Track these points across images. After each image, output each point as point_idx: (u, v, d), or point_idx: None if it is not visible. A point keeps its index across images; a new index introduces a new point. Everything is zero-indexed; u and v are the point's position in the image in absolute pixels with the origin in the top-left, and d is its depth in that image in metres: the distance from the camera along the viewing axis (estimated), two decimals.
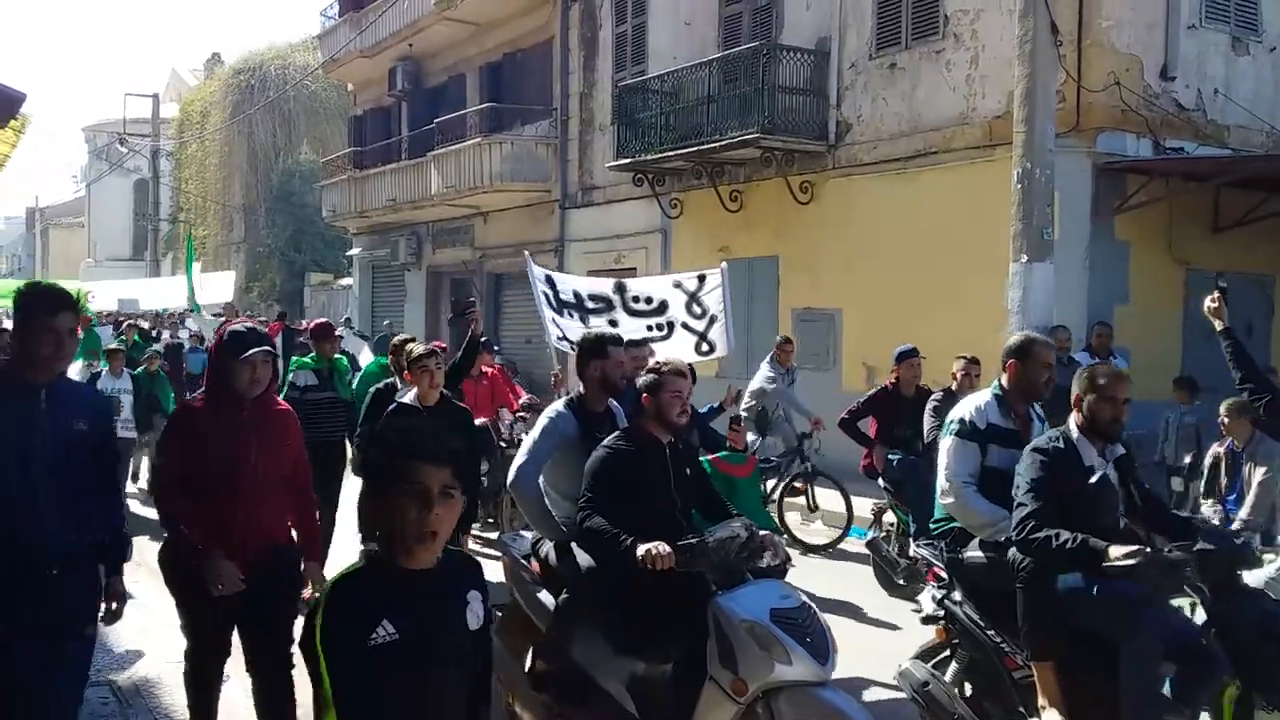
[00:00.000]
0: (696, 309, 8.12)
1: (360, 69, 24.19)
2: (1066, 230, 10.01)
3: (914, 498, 6.98)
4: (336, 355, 8.02)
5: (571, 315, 8.31)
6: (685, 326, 8.04)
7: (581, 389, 4.75)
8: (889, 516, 7.84)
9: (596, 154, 17.12)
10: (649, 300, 8.23)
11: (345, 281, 28.26)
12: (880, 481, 7.71)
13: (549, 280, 8.56)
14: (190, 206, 37.30)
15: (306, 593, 4.16)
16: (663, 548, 3.70)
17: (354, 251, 26.05)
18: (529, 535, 4.87)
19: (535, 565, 4.63)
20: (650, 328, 8.03)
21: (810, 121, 12.90)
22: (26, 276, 47.92)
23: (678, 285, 8.23)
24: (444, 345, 13.36)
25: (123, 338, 14.58)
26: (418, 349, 5.87)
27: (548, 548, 4.48)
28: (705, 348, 8.01)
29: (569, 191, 18.00)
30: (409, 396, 5.85)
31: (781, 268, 13.65)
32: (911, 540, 6.52)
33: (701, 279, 8.15)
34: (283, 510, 4.15)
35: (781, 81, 12.79)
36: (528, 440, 4.60)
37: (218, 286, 23.78)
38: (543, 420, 4.62)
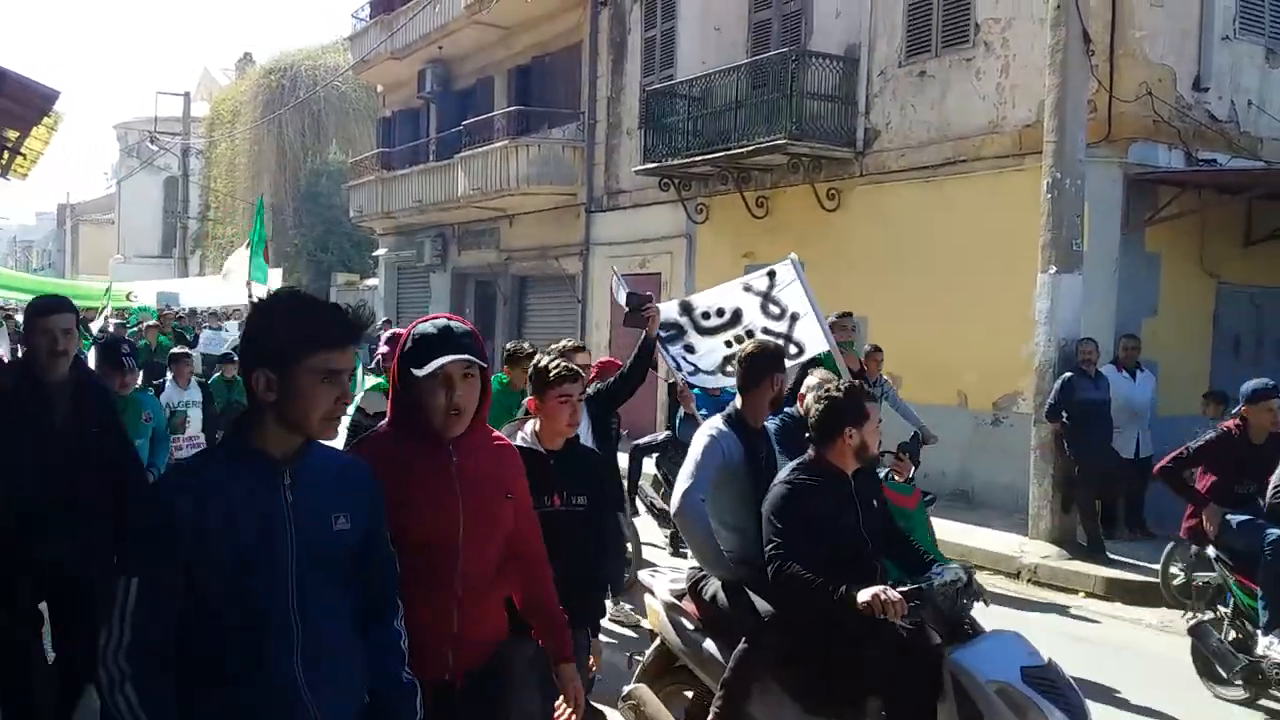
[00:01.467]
0: (774, 309, 7.37)
1: (390, 71, 24.32)
2: (1096, 241, 9.91)
3: (1271, 578, 5.53)
4: None
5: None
6: (767, 332, 7.23)
7: (739, 404, 4.29)
8: (1202, 580, 6.34)
9: (623, 158, 17.13)
10: (720, 312, 7.45)
11: (371, 282, 28.40)
12: (1210, 551, 6.13)
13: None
14: (219, 205, 37.62)
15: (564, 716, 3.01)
16: (892, 594, 3.36)
17: (380, 252, 26.17)
18: (670, 571, 4.51)
19: (693, 607, 4.17)
20: (729, 343, 7.21)
21: (838, 128, 12.85)
22: (57, 272, 48.52)
23: (747, 289, 7.43)
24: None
25: (144, 341, 14.65)
26: (554, 364, 3.67)
27: (714, 588, 4.02)
28: (794, 350, 7.19)
29: (595, 195, 18.02)
30: (526, 433, 3.71)
31: (807, 274, 13.50)
32: (1261, 632, 5.53)
33: (771, 275, 7.40)
34: (502, 591, 2.95)
35: (810, 88, 12.74)
36: (688, 463, 4.10)
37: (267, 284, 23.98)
38: (701, 439, 4.15)
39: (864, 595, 3.38)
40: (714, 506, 4.04)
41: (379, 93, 27.42)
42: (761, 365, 4.26)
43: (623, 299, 7.24)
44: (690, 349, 7.32)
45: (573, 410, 3.62)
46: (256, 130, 33.25)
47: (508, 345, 7.03)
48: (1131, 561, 8.71)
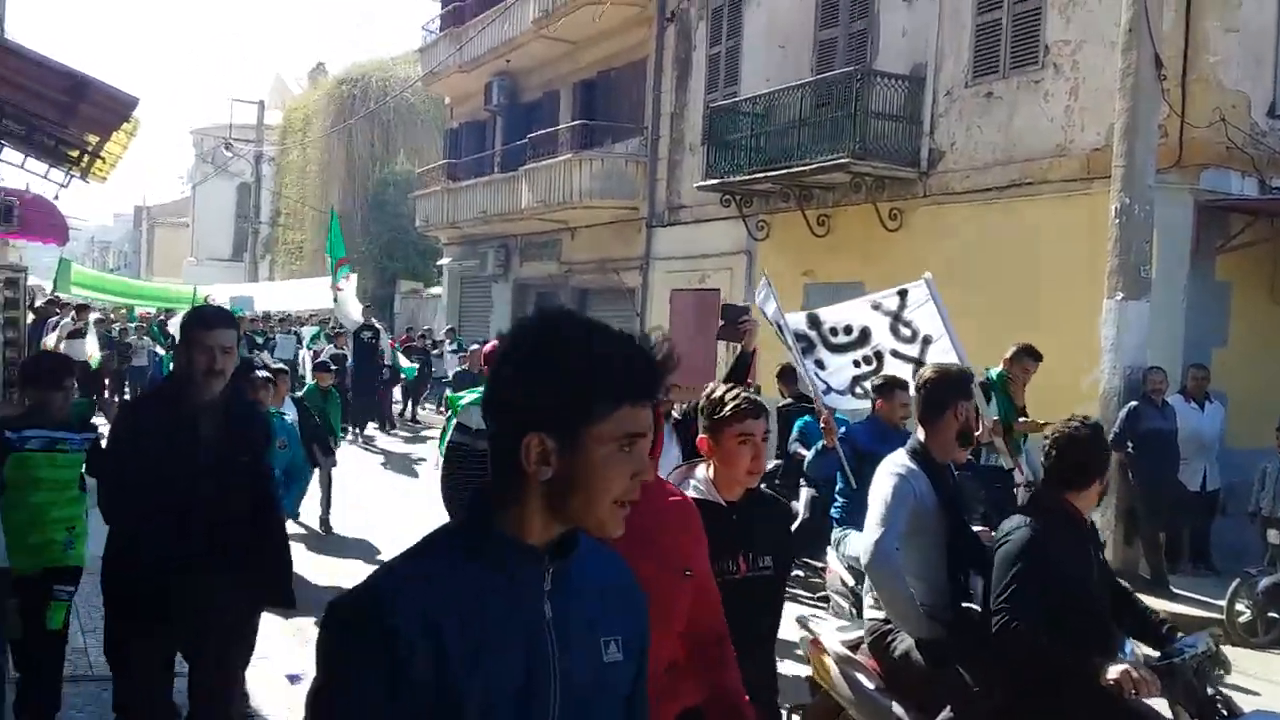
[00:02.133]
0: (905, 331, 6.92)
1: (458, 83, 24.67)
2: (1164, 268, 9.74)
3: None
4: None
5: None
6: (896, 354, 6.81)
7: (922, 436, 3.86)
8: None
9: (685, 173, 17.19)
10: (848, 330, 7.00)
11: (434, 290, 28.78)
12: None
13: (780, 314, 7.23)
14: (289, 211, 38.36)
15: None
16: (1145, 672, 2.99)
17: (444, 261, 26.51)
18: (829, 617, 4.17)
19: (874, 663, 3.81)
20: (857, 362, 6.81)
21: (902, 148, 12.78)
22: (132, 273, 49.74)
23: (876, 307, 7.00)
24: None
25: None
26: (730, 395, 3.07)
27: (905, 645, 3.64)
28: None
29: (656, 210, 18.09)
30: (698, 480, 3.04)
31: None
32: None
33: (903, 295, 6.93)
34: (679, 701, 2.45)
35: (874, 107, 12.69)
36: (876, 506, 3.66)
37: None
38: (888, 479, 3.70)
39: (1113, 671, 2.96)
40: (902, 555, 3.66)
41: (447, 104, 27.84)
42: (944, 393, 3.82)
43: (770, 310, 6.92)
44: (821, 365, 6.95)
45: (756, 453, 2.98)
46: (327, 139, 33.88)
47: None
48: (1196, 597, 8.50)
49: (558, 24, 19.24)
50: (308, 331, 20.38)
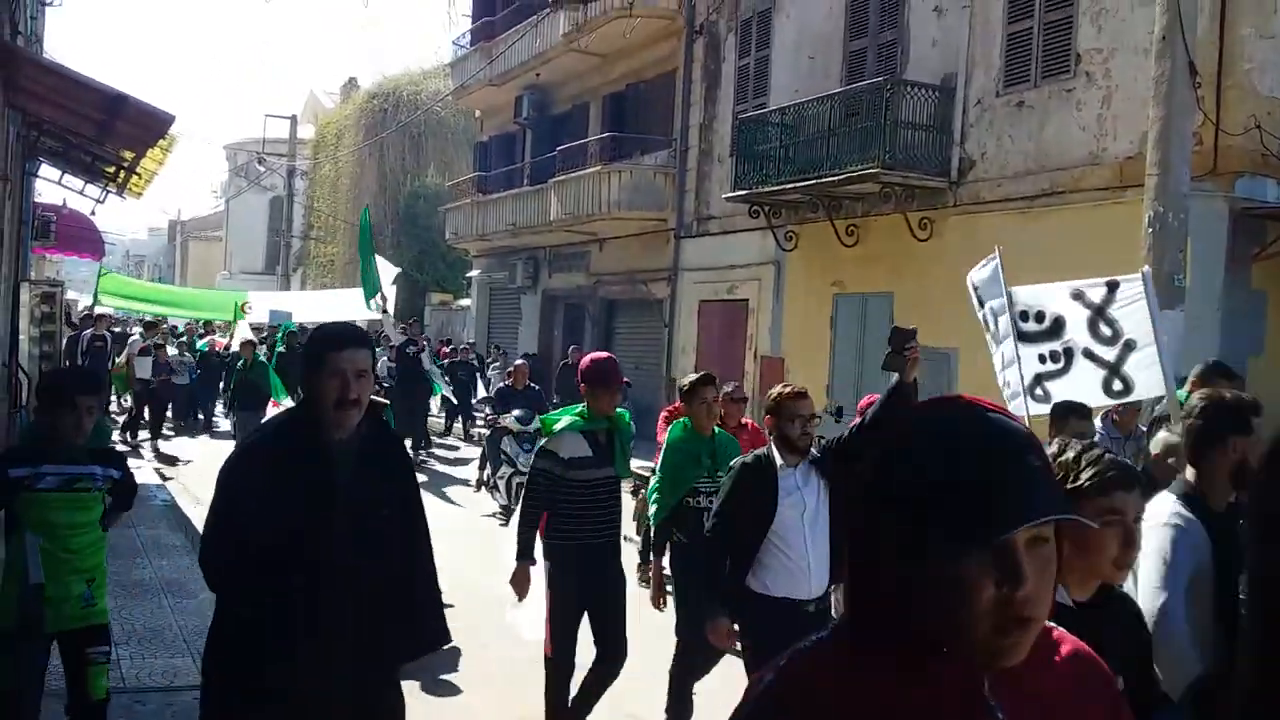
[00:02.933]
0: (1105, 330, 5.93)
1: (488, 96, 24.84)
2: (1199, 277, 9.62)
3: None
4: (619, 409, 5.32)
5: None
6: (1090, 355, 5.90)
7: (1192, 476, 3.25)
8: None
9: (714, 184, 17.19)
10: (1039, 317, 6.18)
11: (464, 302, 28.92)
12: None
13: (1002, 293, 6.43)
14: (321, 225, 38.70)
15: None
16: None
17: (473, 273, 26.64)
18: None
19: None
20: (1043, 357, 6.02)
21: (932, 157, 12.72)
22: (166, 285, 50.30)
23: (1078, 296, 6.10)
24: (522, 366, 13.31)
25: (243, 360, 14.50)
26: (1086, 458, 2.36)
27: None
28: (1119, 386, 5.86)
29: (685, 221, 18.09)
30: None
31: (896, 305, 13.45)
32: None
33: (1112, 287, 6.00)
34: None
35: (904, 117, 12.65)
36: (1155, 568, 3.02)
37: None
38: (1165, 532, 3.06)
39: None
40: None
41: (477, 118, 28.03)
42: (1219, 424, 3.22)
43: (981, 278, 5.94)
44: (1004, 359, 6.11)
45: (1127, 538, 2.31)
46: (359, 153, 34.18)
47: (682, 380, 5.96)
48: None
49: (588, 37, 19.33)
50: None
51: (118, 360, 16.58)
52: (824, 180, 13.34)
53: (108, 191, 14.25)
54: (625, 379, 6.27)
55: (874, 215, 13.61)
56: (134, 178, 13.41)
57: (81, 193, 14.67)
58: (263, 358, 15.38)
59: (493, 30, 23.99)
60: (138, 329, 18.22)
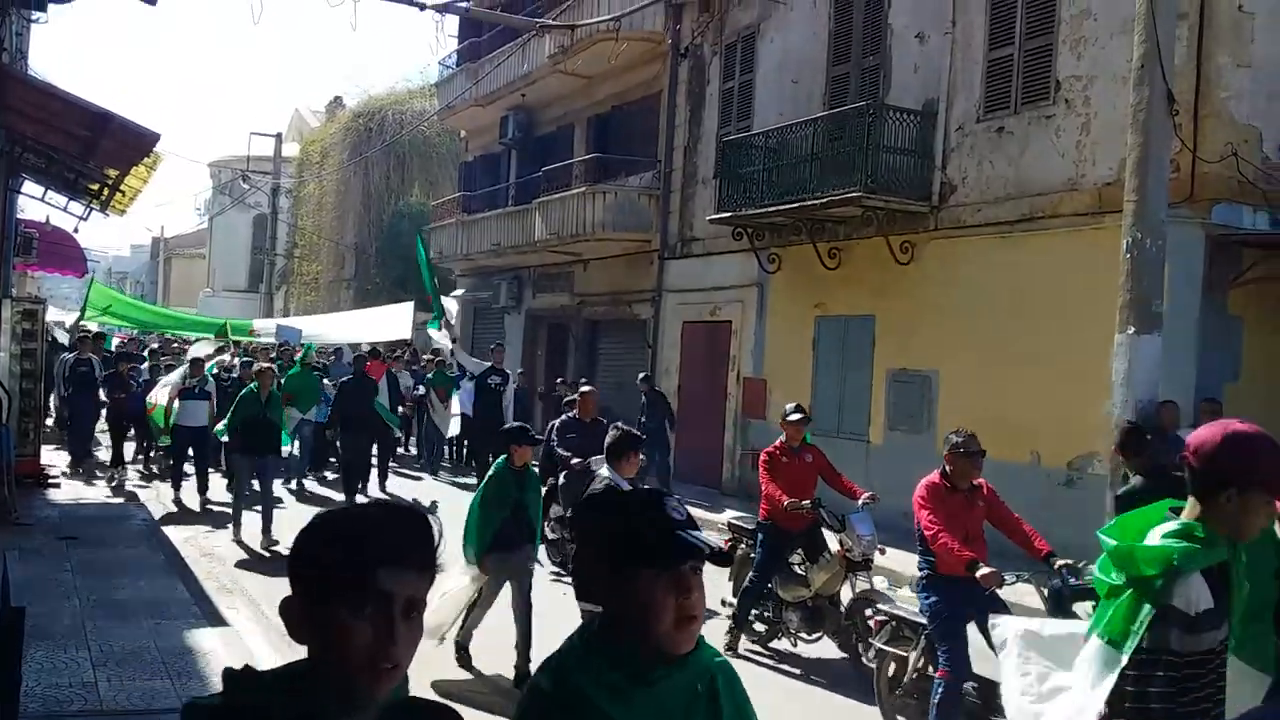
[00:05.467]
0: None
1: (473, 117, 24.92)
2: (1176, 303, 9.72)
3: None
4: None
5: None
6: None
7: None
8: None
9: (698, 206, 17.28)
10: None
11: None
12: None
13: None
14: (305, 243, 38.64)
15: None
16: None
17: (458, 292, 26.64)
18: None
19: None
20: None
21: (914, 182, 12.83)
22: (150, 302, 50.08)
23: None
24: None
25: (252, 387, 11.50)
26: None
27: None
28: None
29: (669, 242, 18.17)
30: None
31: (878, 327, 13.54)
32: None
33: None
34: None
35: (886, 141, 12.76)
36: None
37: (395, 322, 20.76)
38: None
39: None
40: None
41: (462, 138, 28.11)
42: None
43: None
44: None
45: None
46: (343, 171, 34.18)
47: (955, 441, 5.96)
48: None
49: (574, 59, 19.43)
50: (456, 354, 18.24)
51: (154, 400, 13.96)
52: (807, 203, 13.44)
53: (91, 208, 14.25)
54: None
55: (856, 239, 13.71)
56: (118, 195, 13.42)
57: (65, 209, 14.68)
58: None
59: (479, 51, 24.10)
60: (174, 366, 15.41)
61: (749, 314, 16.06)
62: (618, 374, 18.59)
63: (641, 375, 16.06)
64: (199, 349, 17.36)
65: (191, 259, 54.16)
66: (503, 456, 6.82)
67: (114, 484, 13.87)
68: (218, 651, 6.72)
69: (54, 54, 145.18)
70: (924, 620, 5.89)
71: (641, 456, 6.51)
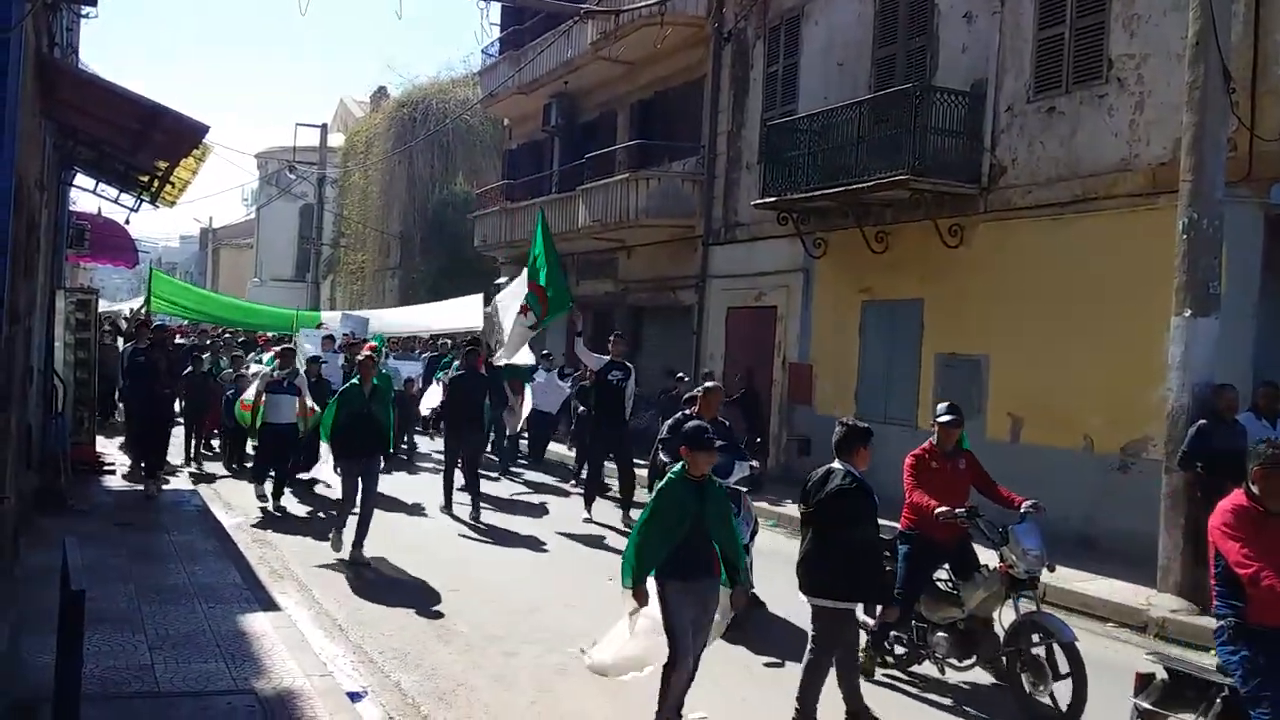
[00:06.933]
0: None
1: (516, 105, 24.96)
2: (1234, 284, 9.51)
3: None
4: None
5: None
6: None
7: None
8: None
9: (742, 191, 17.17)
10: None
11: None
12: None
13: None
14: (351, 232, 38.97)
15: None
16: None
17: (501, 280, 26.70)
18: None
19: None
20: None
21: (962, 164, 12.64)
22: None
23: None
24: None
25: (354, 381, 10.19)
26: None
27: None
28: None
29: (713, 228, 18.08)
30: None
31: (926, 311, 13.38)
32: None
33: None
34: None
35: (934, 123, 12.58)
36: None
37: (466, 313, 20.42)
38: None
39: None
40: None
41: (505, 126, 28.16)
42: None
43: None
44: None
45: None
46: (388, 161, 34.41)
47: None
48: None
49: (616, 45, 19.37)
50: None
51: (245, 398, 13.10)
52: (853, 187, 13.30)
53: (141, 200, 14.43)
54: None
55: (903, 222, 13.55)
56: (167, 187, 13.56)
57: (116, 201, 14.88)
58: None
59: (521, 39, 24.11)
60: (254, 358, 14.83)
61: (794, 299, 15.94)
62: (662, 361, 18.54)
63: (706, 371, 15.25)
64: (306, 341, 16.42)
65: (239, 249, 54.87)
66: (679, 464, 5.60)
67: (150, 491, 12.03)
68: (270, 635, 6.80)
69: (100, 46, 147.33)
70: (1221, 678, 4.73)
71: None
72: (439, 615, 7.96)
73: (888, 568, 6.52)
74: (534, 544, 11.01)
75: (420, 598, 8.41)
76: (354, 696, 5.94)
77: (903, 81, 13.41)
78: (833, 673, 5.72)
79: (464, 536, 11.31)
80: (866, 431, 5.88)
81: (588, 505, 12.51)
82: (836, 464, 5.81)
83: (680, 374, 15.59)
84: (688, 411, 8.81)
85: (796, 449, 15.47)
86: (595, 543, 11.16)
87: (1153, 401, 9.76)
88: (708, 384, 9.15)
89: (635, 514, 9.50)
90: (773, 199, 14.97)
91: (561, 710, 6.05)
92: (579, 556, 10.54)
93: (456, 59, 53.99)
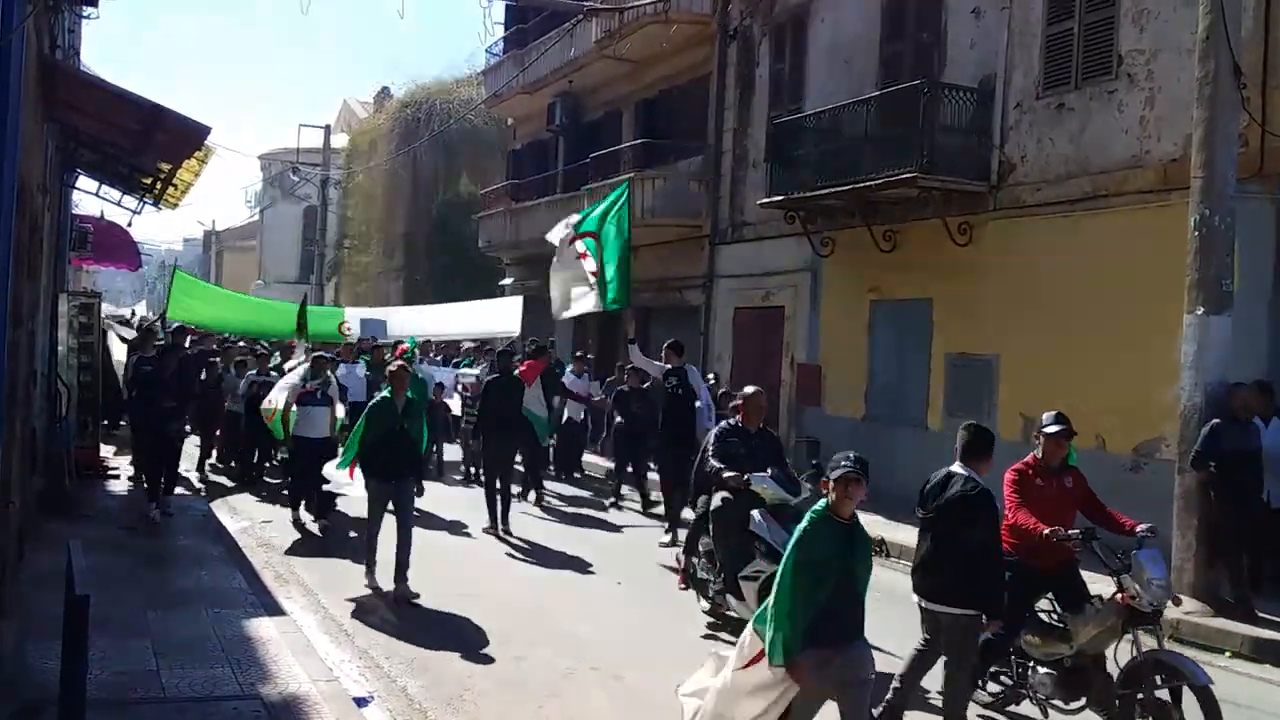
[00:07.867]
0: None
1: (521, 104, 24.90)
2: (1247, 281, 9.41)
3: None
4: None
5: None
6: None
7: None
8: None
9: (749, 190, 17.09)
10: None
11: None
12: None
13: None
14: (355, 234, 38.92)
15: None
16: None
17: (506, 281, 26.67)
18: None
19: None
20: None
21: (971, 161, 12.55)
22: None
23: None
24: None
25: (386, 391, 8.94)
26: None
27: None
28: None
29: (719, 227, 18.01)
30: None
31: (935, 311, 13.29)
32: None
33: None
34: None
35: (942, 120, 12.50)
36: None
37: (503, 315, 19.49)
38: None
39: None
40: None
41: (509, 125, 28.10)
42: None
43: None
44: None
45: None
46: (392, 162, 34.37)
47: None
48: None
49: (621, 44, 19.30)
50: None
51: (273, 404, 11.51)
52: (860, 185, 13.21)
53: (144, 202, 14.37)
54: None
55: (911, 220, 13.46)
56: (170, 188, 13.50)
57: (118, 204, 14.81)
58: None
59: (525, 38, 24.05)
60: (290, 366, 13.09)
61: (802, 299, 15.86)
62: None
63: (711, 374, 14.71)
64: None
65: (243, 251, 54.86)
66: (821, 503, 4.66)
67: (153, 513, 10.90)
68: (275, 640, 6.74)
69: (101, 47, 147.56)
70: None
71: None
72: (446, 619, 7.90)
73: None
74: (547, 551, 10.91)
75: (427, 601, 8.34)
76: (360, 702, 5.88)
77: (910, 78, 13.31)
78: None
79: (479, 543, 11.23)
80: (991, 437, 5.64)
81: (671, 530, 11.07)
82: (957, 467, 5.52)
83: (713, 374, 14.87)
84: (733, 421, 8.06)
85: (806, 451, 15.36)
86: (609, 547, 11.08)
87: (1166, 401, 9.67)
88: (748, 389, 8.17)
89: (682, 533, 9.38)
90: (780, 198, 14.88)
91: (569, 715, 5.98)
92: (592, 560, 10.45)
93: (460, 59, 53.72)
